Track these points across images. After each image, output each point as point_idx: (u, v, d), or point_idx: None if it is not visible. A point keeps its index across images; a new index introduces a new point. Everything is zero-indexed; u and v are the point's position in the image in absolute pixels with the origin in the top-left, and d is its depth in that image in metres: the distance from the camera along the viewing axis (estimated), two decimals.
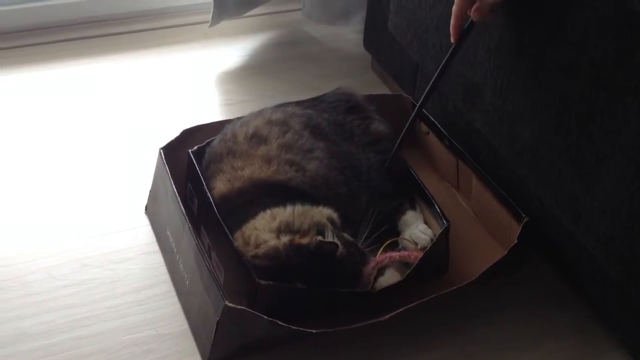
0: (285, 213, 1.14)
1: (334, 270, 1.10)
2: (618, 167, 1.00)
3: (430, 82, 1.24)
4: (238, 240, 1.13)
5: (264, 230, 1.12)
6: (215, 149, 1.28)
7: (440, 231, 1.20)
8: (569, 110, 1.07)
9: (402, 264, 1.19)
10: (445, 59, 1.21)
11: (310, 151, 1.25)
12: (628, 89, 0.96)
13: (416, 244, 1.24)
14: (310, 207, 1.16)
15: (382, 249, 1.20)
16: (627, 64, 0.96)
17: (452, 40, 1.18)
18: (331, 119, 1.35)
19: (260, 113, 1.33)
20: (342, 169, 1.26)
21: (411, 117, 1.31)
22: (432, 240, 1.23)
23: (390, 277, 1.17)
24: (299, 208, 1.14)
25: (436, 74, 1.23)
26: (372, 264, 1.16)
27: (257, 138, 1.25)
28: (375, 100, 1.46)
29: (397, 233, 1.28)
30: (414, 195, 1.33)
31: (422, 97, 1.27)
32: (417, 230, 1.26)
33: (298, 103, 1.39)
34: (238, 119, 1.34)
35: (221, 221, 1.16)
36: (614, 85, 0.99)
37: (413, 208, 1.32)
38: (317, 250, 1.08)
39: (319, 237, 1.09)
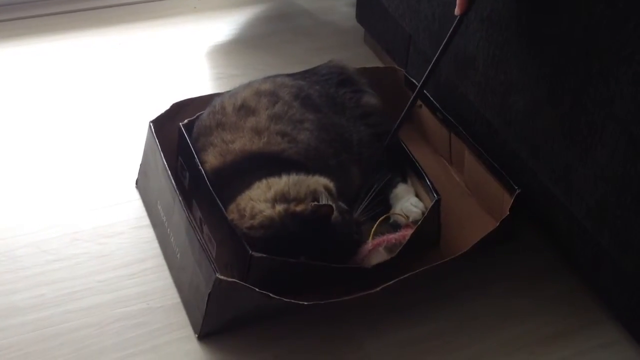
0: (280, 182, 1.13)
1: (330, 237, 1.10)
2: (611, 137, 1.00)
3: (433, 60, 1.21)
4: (233, 212, 1.12)
5: (259, 200, 1.11)
6: (204, 121, 1.26)
7: (431, 205, 1.20)
8: (562, 80, 1.07)
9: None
10: (449, 33, 1.18)
11: (301, 122, 1.24)
12: (621, 57, 0.95)
13: (407, 217, 1.24)
14: (306, 176, 1.15)
15: (376, 225, 1.20)
16: (620, 32, 0.95)
17: (457, 11, 1.15)
18: (322, 91, 1.34)
19: (249, 85, 1.31)
20: (332, 141, 1.25)
21: (412, 97, 1.29)
22: (423, 213, 1.23)
23: (377, 258, 1.16)
24: (294, 177, 1.14)
25: (439, 50, 1.19)
26: (368, 246, 1.15)
27: (245, 109, 1.24)
28: (368, 73, 1.45)
29: (388, 206, 1.28)
30: (406, 168, 1.33)
31: (424, 77, 1.24)
32: (408, 203, 1.26)
33: (289, 75, 1.37)
34: (228, 91, 1.33)
35: (213, 193, 1.15)
36: (608, 53, 0.98)
37: (404, 181, 1.31)
38: (313, 216, 1.08)
39: (314, 202, 1.09)
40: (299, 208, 1.09)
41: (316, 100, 1.31)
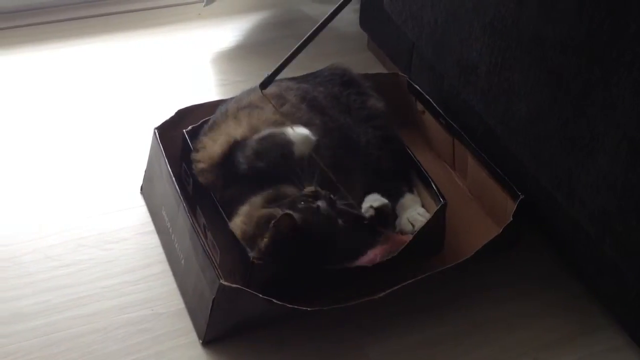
0: (238, 222, 1.10)
1: (316, 236, 1.07)
2: (612, 143, 1.00)
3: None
4: None
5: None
6: (204, 129, 1.26)
7: (436, 209, 1.20)
8: (563, 87, 1.07)
9: None
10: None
11: (307, 125, 1.22)
12: (622, 64, 0.96)
13: (413, 225, 1.23)
14: (264, 195, 1.12)
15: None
16: (621, 38, 0.96)
17: None
18: (326, 92, 1.34)
19: (253, 90, 1.31)
20: (337, 148, 1.25)
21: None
22: None
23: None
24: (246, 208, 1.11)
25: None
26: (378, 250, 1.14)
27: (251, 107, 1.23)
28: (371, 79, 1.45)
29: (395, 215, 1.26)
30: (412, 176, 1.32)
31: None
32: (415, 212, 1.25)
33: (291, 79, 1.38)
34: (231, 98, 1.33)
35: (216, 201, 1.16)
36: (609, 60, 0.98)
37: (411, 191, 1.31)
38: (282, 236, 1.04)
39: (272, 224, 1.04)
40: (264, 241, 1.05)
41: (322, 102, 1.30)
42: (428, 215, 1.24)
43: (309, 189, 1.11)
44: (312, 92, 1.31)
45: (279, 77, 1.37)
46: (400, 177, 1.31)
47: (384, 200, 1.21)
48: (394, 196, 1.27)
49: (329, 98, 1.33)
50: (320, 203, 1.08)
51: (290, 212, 1.05)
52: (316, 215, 1.08)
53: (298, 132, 1.14)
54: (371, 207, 1.19)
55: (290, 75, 1.40)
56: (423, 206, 1.28)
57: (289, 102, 1.26)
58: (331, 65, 1.44)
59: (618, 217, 1.02)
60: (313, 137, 1.14)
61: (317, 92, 1.32)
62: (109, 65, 1.72)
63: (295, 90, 1.30)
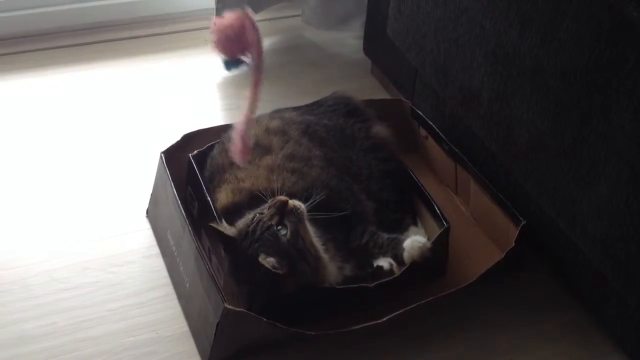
0: None
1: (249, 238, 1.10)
2: (613, 171, 1.01)
3: None
4: None
5: None
6: (217, 159, 1.27)
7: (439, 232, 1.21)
8: (564, 114, 1.09)
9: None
10: None
11: (309, 159, 1.24)
12: (622, 93, 0.97)
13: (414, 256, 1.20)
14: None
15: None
16: (621, 69, 0.97)
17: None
18: (330, 125, 1.35)
19: (257, 121, 1.31)
20: (342, 175, 1.26)
21: None
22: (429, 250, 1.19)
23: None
24: None
25: None
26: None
27: (260, 148, 1.24)
28: (375, 105, 1.47)
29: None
30: (415, 207, 1.33)
31: None
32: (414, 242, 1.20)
33: (295, 109, 1.39)
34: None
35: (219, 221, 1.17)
36: (609, 89, 1.00)
37: (415, 224, 1.31)
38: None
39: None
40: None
41: (322, 135, 1.32)
42: (428, 244, 1.20)
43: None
44: (314, 126, 1.32)
45: (286, 105, 1.39)
46: (403, 209, 1.32)
47: (387, 265, 1.18)
48: (398, 229, 1.27)
49: (332, 131, 1.33)
50: (267, 210, 1.12)
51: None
52: (250, 222, 1.11)
53: None
54: (377, 265, 1.18)
55: (296, 103, 1.42)
56: (426, 233, 1.29)
57: (292, 139, 1.27)
58: (335, 94, 1.45)
59: (619, 243, 1.03)
60: None
61: (319, 126, 1.33)
62: (116, 90, 1.74)
63: (297, 124, 1.31)
